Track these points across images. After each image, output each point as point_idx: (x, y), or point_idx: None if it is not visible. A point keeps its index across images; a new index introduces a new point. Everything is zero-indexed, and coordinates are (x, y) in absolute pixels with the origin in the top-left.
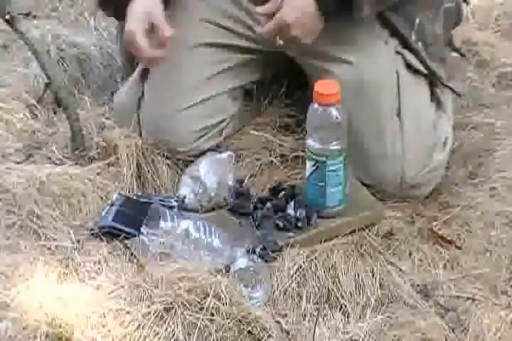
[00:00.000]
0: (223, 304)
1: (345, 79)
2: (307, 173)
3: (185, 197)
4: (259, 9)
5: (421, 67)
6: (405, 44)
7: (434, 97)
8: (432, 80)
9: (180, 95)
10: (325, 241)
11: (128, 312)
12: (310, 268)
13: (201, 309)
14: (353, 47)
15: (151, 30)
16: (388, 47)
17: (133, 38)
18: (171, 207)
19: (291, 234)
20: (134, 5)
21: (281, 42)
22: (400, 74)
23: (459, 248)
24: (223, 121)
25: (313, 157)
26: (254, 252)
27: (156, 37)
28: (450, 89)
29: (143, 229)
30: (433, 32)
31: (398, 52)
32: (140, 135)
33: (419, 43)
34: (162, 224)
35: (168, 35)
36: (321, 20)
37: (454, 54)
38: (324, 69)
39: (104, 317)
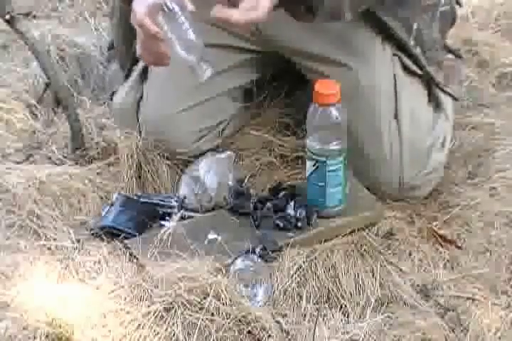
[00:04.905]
0: (223, 304)
1: (341, 83)
2: (307, 173)
3: (185, 197)
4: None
5: (418, 71)
6: (402, 48)
7: (433, 97)
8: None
9: (179, 96)
10: (325, 241)
11: (128, 312)
12: (310, 268)
13: (201, 309)
14: (349, 51)
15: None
16: (385, 51)
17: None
18: (171, 207)
19: (291, 234)
20: None
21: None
22: (397, 76)
23: (459, 247)
24: (223, 121)
25: (313, 157)
26: (254, 252)
27: None
28: (447, 93)
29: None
30: (430, 36)
31: (395, 54)
32: (140, 135)
33: (418, 48)
34: None
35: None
36: None
37: (450, 56)
38: (320, 72)
39: (104, 317)
